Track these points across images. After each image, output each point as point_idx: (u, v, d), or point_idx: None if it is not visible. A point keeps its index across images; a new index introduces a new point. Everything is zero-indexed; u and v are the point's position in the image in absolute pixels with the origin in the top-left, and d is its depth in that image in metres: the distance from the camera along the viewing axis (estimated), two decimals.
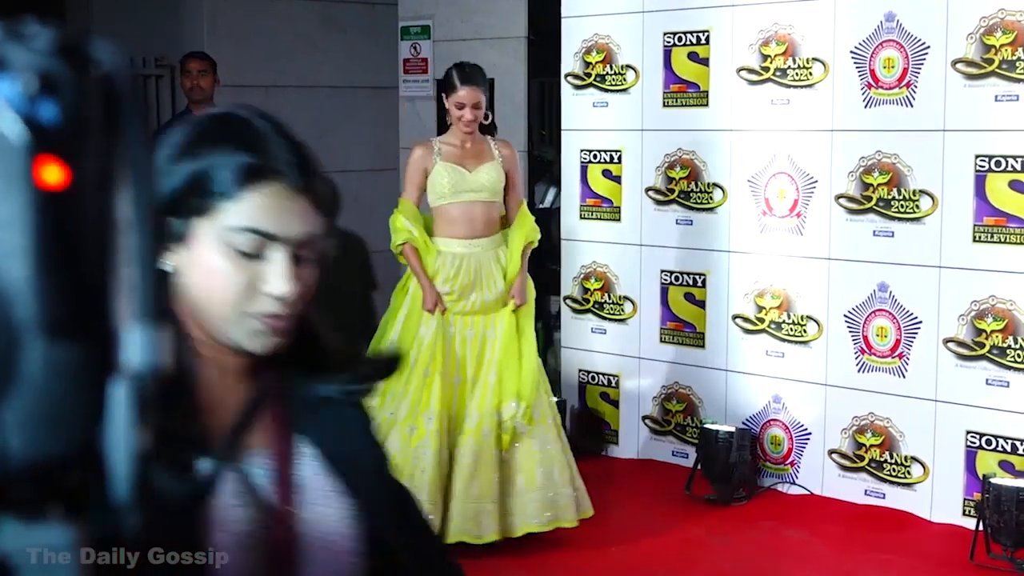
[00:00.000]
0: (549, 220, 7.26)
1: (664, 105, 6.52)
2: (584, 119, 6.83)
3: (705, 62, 6.35)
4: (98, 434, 0.68)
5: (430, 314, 5.20)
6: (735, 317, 6.33)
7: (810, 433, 6.09)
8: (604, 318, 6.84)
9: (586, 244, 6.88)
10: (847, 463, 5.97)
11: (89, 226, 0.68)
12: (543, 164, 8.48)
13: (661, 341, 6.65)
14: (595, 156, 6.77)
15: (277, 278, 1.41)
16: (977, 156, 5.42)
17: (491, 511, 5.12)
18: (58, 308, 0.66)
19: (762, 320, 6.22)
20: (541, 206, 8.13)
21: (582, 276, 6.91)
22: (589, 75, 6.80)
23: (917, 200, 5.63)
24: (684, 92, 6.44)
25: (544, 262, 7.09)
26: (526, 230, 5.39)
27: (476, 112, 5.27)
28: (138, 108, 0.71)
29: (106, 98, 0.69)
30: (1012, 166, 5.32)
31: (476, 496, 5.11)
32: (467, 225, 5.29)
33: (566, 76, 6.89)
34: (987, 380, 5.45)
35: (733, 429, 6.06)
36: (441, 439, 5.11)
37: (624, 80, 6.66)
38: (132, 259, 0.69)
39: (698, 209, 6.44)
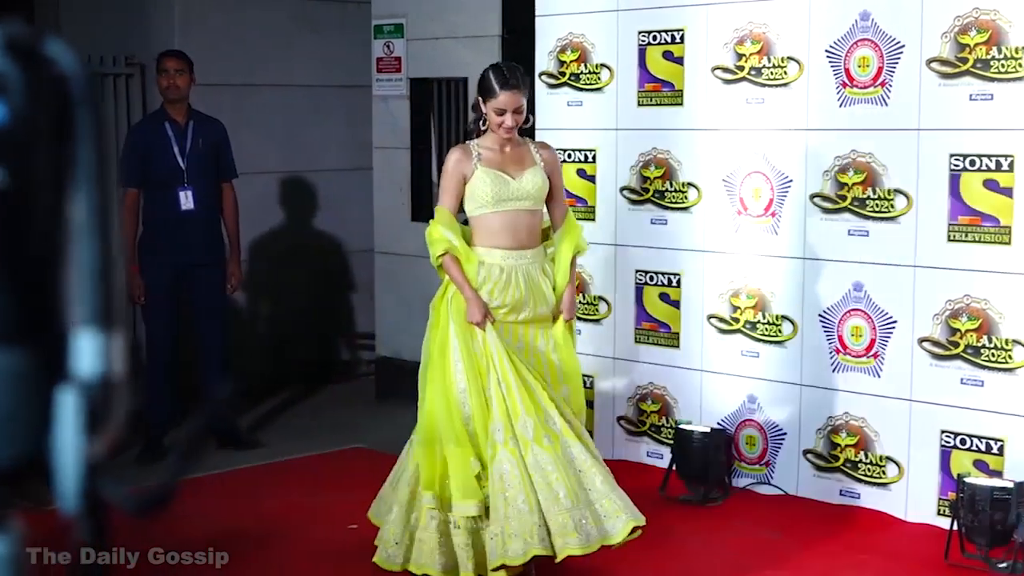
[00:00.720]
0: None
1: (639, 104, 6.51)
2: (558, 118, 6.81)
3: (680, 61, 6.34)
4: (47, 441, 0.66)
5: (480, 328, 4.77)
6: (710, 317, 6.33)
7: (785, 433, 6.09)
8: (579, 318, 6.80)
9: None
10: (822, 463, 5.97)
11: (37, 229, 0.65)
12: None
13: (636, 341, 6.64)
14: (569, 155, 6.75)
15: None
16: (952, 155, 5.43)
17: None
18: (4, 313, 0.64)
19: (737, 320, 6.22)
20: None
21: None
22: (563, 74, 6.78)
23: (892, 199, 5.63)
24: (659, 91, 6.43)
25: None
26: (575, 240, 4.97)
27: (517, 117, 4.81)
28: (92, 110, 0.68)
29: (59, 99, 0.67)
30: (986, 165, 5.32)
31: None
32: (510, 235, 4.86)
33: (540, 75, 6.87)
34: (962, 379, 5.46)
35: (708, 429, 6.06)
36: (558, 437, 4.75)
37: (598, 79, 6.64)
38: (83, 265, 0.66)
39: (673, 208, 6.43)
